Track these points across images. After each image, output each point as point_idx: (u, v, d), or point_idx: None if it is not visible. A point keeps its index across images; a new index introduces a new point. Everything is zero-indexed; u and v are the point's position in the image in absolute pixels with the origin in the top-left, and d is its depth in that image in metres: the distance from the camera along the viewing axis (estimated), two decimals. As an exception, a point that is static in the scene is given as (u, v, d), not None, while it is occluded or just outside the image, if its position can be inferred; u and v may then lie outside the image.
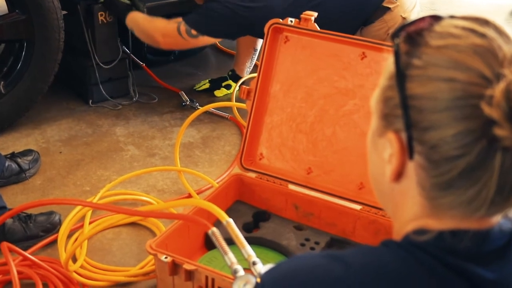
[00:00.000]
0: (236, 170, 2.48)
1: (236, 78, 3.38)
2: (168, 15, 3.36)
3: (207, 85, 3.39)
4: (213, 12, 2.86)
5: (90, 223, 2.23)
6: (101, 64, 3.13)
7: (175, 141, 2.81)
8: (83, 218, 2.24)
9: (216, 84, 3.38)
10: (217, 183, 2.51)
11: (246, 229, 2.15)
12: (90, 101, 3.20)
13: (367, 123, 2.12)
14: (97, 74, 3.13)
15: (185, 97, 3.24)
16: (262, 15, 2.24)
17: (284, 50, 2.23)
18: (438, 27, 0.84)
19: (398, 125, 0.84)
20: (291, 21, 2.18)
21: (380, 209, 2.08)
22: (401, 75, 0.83)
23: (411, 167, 0.84)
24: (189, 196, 2.45)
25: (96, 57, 3.10)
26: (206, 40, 2.96)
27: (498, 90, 0.76)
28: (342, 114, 2.16)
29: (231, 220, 1.47)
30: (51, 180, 2.56)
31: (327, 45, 2.17)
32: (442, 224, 0.84)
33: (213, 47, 3.92)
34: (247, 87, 2.24)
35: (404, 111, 0.82)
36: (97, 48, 3.11)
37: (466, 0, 5.01)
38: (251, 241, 1.63)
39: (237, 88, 3.33)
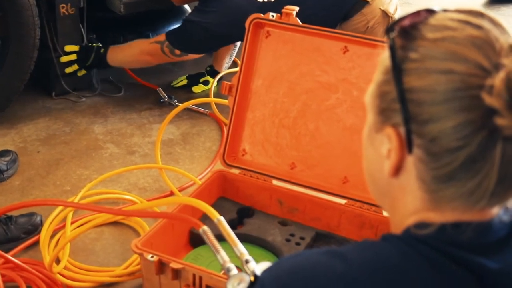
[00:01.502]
0: (218, 166, 2.46)
1: (214, 74, 3.36)
2: (144, 12, 3.35)
3: (184, 81, 3.36)
4: (191, 33, 2.93)
5: (72, 223, 2.19)
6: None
7: (155, 139, 2.79)
8: (65, 218, 2.20)
9: (194, 80, 3.36)
10: (199, 180, 2.49)
11: (231, 225, 2.10)
12: (53, 93, 3.16)
13: (350, 117, 2.14)
14: (58, 67, 3.09)
15: (162, 93, 3.21)
16: (238, 26, 2.24)
17: (265, 45, 2.22)
18: (433, 20, 0.84)
19: (396, 120, 0.84)
20: (273, 16, 2.17)
21: (365, 203, 2.08)
22: (397, 69, 0.83)
23: (410, 161, 0.84)
24: (171, 193, 2.43)
25: (59, 50, 3.07)
26: (191, 56, 3.09)
27: (498, 79, 0.76)
28: (325, 108, 2.16)
29: (222, 218, 1.46)
30: (30, 180, 2.52)
31: (309, 39, 2.16)
32: (443, 217, 0.84)
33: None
34: (229, 83, 2.23)
35: (402, 105, 0.82)
36: (59, 40, 3.06)
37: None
38: (243, 239, 1.61)
39: (215, 84, 3.31)
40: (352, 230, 2.09)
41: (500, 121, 0.76)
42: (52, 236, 2.15)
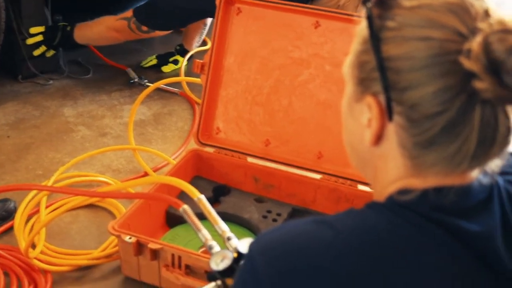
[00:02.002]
0: (191, 145, 2.45)
1: (184, 53, 3.33)
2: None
3: (154, 61, 3.33)
4: (158, 9, 2.90)
5: (46, 207, 2.17)
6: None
7: (126, 120, 2.77)
8: (39, 203, 2.17)
9: (164, 59, 3.32)
10: (173, 159, 2.48)
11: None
12: (20, 76, 3.11)
13: (323, 92, 2.15)
14: (24, 49, 3.03)
15: (132, 74, 3.18)
16: (207, 1, 2.22)
17: (236, 22, 2.20)
18: None
19: (376, 88, 0.85)
20: (243, -8, 2.15)
21: (340, 177, 2.09)
22: (375, 38, 0.83)
23: (391, 129, 0.86)
24: (145, 174, 2.41)
25: (24, 32, 3.01)
26: (158, 33, 3.05)
27: (475, 43, 0.77)
28: (298, 84, 2.16)
29: (202, 196, 1.45)
30: (1, 165, 2.47)
31: (280, 15, 2.15)
32: (426, 182, 0.85)
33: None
34: (201, 61, 2.21)
35: (381, 73, 0.83)
36: (24, 22, 3.01)
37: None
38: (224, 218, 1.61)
39: (185, 63, 3.29)
40: (328, 205, 2.10)
41: (478, 84, 0.77)
42: (26, 221, 2.12)
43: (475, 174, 0.86)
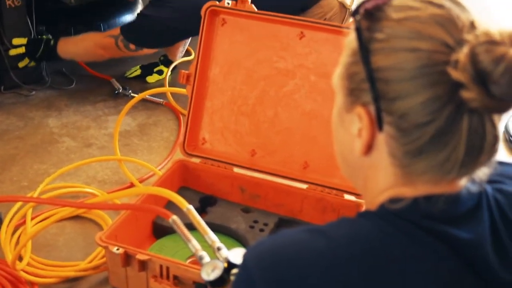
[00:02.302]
0: (177, 156, 2.46)
1: (168, 63, 3.33)
2: (95, 3, 3.30)
3: (138, 72, 3.33)
4: (146, 28, 2.92)
5: (32, 219, 2.16)
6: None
7: (111, 130, 2.77)
8: (25, 214, 2.16)
9: (148, 70, 3.33)
10: (159, 170, 2.48)
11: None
12: (2, 87, 3.10)
13: (308, 102, 2.16)
14: (6, 60, 3.03)
15: (116, 84, 3.18)
16: (195, 21, 2.23)
17: (221, 33, 2.21)
18: (395, 1, 0.88)
19: (365, 99, 0.87)
20: (228, 3, 2.16)
21: (326, 186, 2.11)
22: (365, 50, 0.86)
23: (381, 139, 0.88)
24: (131, 185, 2.41)
25: (6, 43, 3.01)
26: (146, 51, 3.06)
27: (462, 54, 0.80)
28: (283, 94, 2.17)
29: (191, 207, 1.46)
30: (-15, 177, 2.47)
31: (265, 26, 2.17)
32: (416, 191, 0.87)
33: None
34: (186, 72, 2.22)
35: (371, 84, 0.85)
36: (6, 33, 3.01)
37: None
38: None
39: (169, 73, 3.29)
40: (314, 215, 2.11)
41: (466, 94, 0.80)
42: (12, 233, 2.11)
43: (463, 183, 0.88)
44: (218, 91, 2.24)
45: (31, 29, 3.09)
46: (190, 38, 3.35)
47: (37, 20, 3.10)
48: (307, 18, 2.21)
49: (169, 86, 3.20)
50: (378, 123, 0.86)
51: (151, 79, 3.30)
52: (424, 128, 0.83)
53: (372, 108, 0.86)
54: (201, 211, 2.16)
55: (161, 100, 3.04)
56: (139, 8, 3.68)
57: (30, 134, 2.78)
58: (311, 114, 2.14)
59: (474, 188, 0.89)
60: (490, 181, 0.91)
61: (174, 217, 1.45)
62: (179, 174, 2.24)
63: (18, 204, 2.21)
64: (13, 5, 2.99)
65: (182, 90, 2.68)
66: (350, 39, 0.90)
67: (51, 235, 2.16)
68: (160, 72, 3.32)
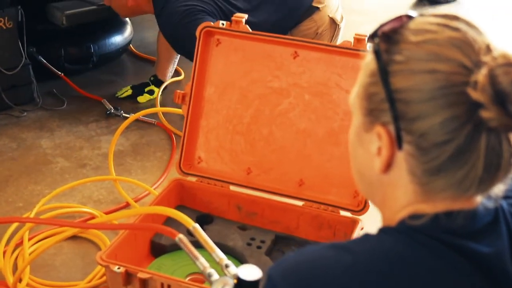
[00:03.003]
0: (171, 175, 2.48)
1: (158, 83, 3.36)
2: (85, 24, 3.33)
3: (129, 92, 3.35)
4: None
5: (28, 239, 2.16)
6: (3, 71, 3.05)
7: (105, 151, 2.79)
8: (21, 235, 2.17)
9: (139, 90, 3.35)
10: (154, 189, 2.50)
11: (191, 233, 2.15)
12: None
13: (303, 121, 2.19)
14: None
15: (108, 105, 3.20)
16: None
17: (216, 53, 2.24)
18: (412, 25, 0.90)
19: (385, 118, 0.89)
20: (223, 24, 2.20)
21: (322, 203, 2.13)
22: (384, 72, 0.88)
23: (401, 157, 0.90)
24: (127, 205, 2.43)
25: None
26: None
27: (481, 75, 0.83)
28: (278, 113, 2.20)
29: (197, 225, 1.48)
30: (-20, 198, 2.47)
31: (259, 46, 2.20)
32: (435, 207, 0.90)
33: (130, 53, 3.89)
34: (182, 92, 2.24)
35: (391, 105, 0.87)
36: None
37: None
38: (197, 245, 1.64)
39: (160, 93, 3.32)
40: (311, 231, 2.13)
41: (485, 114, 0.83)
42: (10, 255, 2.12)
43: (479, 199, 0.91)
44: (214, 110, 2.26)
45: (22, 50, 3.11)
46: (178, 58, 3.38)
47: (28, 41, 3.12)
48: (300, 38, 2.24)
49: (160, 106, 3.22)
50: (397, 142, 0.89)
51: (142, 99, 3.33)
52: (443, 147, 0.85)
53: (391, 128, 0.89)
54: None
55: (153, 120, 3.06)
56: (129, 30, 3.72)
57: (23, 155, 2.79)
58: (306, 132, 2.17)
59: (489, 204, 0.92)
60: (505, 197, 0.94)
61: (181, 235, 1.47)
62: (176, 193, 2.25)
63: (14, 225, 2.22)
64: (4, 27, 3.02)
65: (174, 110, 2.72)
66: (368, 61, 0.93)
67: (49, 255, 2.17)
68: (151, 92, 3.34)
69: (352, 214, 2.08)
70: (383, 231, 0.93)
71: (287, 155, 2.20)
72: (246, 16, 2.20)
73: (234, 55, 2.23)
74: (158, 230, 1.70)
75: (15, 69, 3.09)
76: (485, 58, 0.85)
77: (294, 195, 2.18)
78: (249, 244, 2.10)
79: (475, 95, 0.82)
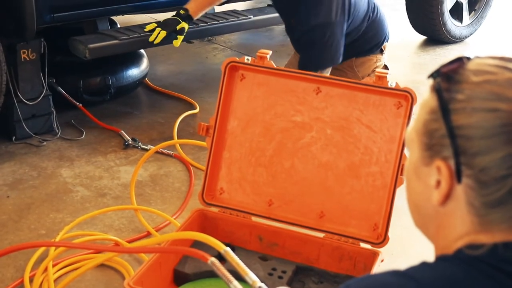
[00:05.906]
0: (191, 206, 2.53)
1: (188, 19, 3.20)
2: (112, 56, 3.39)
3: (162, 34, 3.16)
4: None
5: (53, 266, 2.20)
6: (25, 101, 3.12)
7: (124, 181, 2.84)
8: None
9: (170, 29, 3.17)
10: (175, 219, 2.55)
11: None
12: (14, 137, 3.18)
13: (325, 154, 2.25)
14: (19, 111, 3.12)
15: (126, 136, 3.25)
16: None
17: (240, 87, 2.31)
18: (471, 66, 0.96)
19: (445, 153, 0.94)
20: (248, 60, 2.27)
21: (342, 235, 2.18)
22: (446, 109, 0.93)
23: (459, 189, 0.94)
24: (148, 234, 2.47)
25: (19, 94, 3.09)
26: None
27: None
28: (300, 146, 2.26)
29: (228, 249, 1.53)
30: (3, 225, 2.51)
31: (282, 81, 2.27)
32: (493, 238, 0.94)
33: (144, 86, 3.96)
34: (206, 124, 2.30)
35: (452, 141, 0.92)
36: (19, 85, 3.10)
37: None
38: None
39: (177, 123, 3.37)
40: (331, 263, 2.18)
41: None
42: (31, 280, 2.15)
43: None
44: (237, 142, 2.32)
45: (43, 81, 3.17)
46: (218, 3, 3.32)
47: (48, 72, 3.19)
48: (322, 75, 2.31)
49: (178, 138, 3.28)
50: (457, 176, 0.93)
51: (177, 42, 3.20)
52: (503, 181, 0.89)
53: (451, 162, 0.93)
54: (220, 259, 2.21)
55: (171, 152, 3.12)
56: (145, 63, 3.79)
57: (44, 184, 2.84)
58: (327, 166, 2.22)
59: None
60: None
61: (213, 258, 1.52)
62: (198, 223, 2.30)
63: (38, 252, 2.26)
64: (28, 58, 3.09)
65: (191, 141, 2.77)
66: (427, 99, 0.98)
67: (72, 282, 2.20)
68: (181, 31, 3.18)
69: (372, 246, 2.13)
70: (443, 259, 0.97)
71: (308, 188, 2.25)
72: (270, 52, 2.27)
73: (257, 90, 2.30)
74: (191, 253, 1.74)
75: (36, 100, 3.16)
76: None
77: (314, 226, 2.22)
78: (270, 274, 2.14)
79: None
